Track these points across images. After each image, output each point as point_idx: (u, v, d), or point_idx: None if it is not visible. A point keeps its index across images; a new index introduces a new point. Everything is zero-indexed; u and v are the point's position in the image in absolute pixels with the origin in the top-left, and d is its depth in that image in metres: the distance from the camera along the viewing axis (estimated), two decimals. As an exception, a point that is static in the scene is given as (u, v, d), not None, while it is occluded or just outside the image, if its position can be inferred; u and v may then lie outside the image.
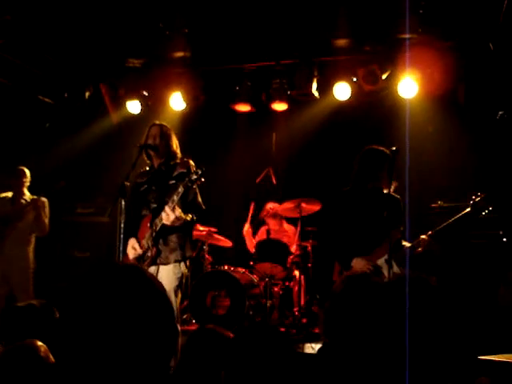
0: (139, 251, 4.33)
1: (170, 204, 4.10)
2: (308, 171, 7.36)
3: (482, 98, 6.16)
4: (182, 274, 4.32)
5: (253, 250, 6.54)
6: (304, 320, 6.08)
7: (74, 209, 7.31)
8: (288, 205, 6.41)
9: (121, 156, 6.18)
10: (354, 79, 6.42)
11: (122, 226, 4.03)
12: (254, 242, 6.67)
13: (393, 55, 6.27)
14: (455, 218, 4.24)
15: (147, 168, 4.59)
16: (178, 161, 4.49)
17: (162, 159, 4.48)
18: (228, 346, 1.98)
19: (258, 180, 6.91)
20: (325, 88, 6.61)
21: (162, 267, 4.29)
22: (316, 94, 6.63)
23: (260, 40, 6.20)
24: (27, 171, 5.98)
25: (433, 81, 6.13)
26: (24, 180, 5.94)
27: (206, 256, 6.58)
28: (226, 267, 6.26)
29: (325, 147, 7.28)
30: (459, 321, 1.48)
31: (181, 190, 4.08)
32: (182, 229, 4.30)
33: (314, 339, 5.43)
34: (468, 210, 4.24)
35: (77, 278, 1.23)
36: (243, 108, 6.97)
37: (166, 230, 4.26)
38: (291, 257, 6.27)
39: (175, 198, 4.10)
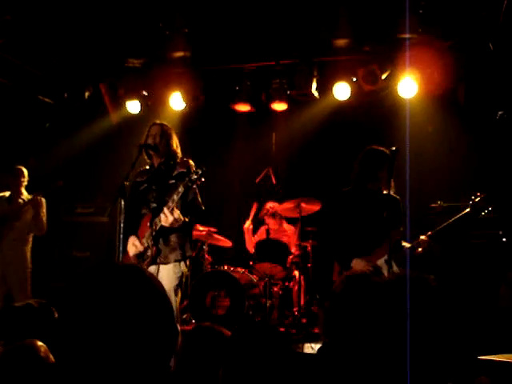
0: (140, 248, 4.32)
1: (169, 204, 4.10)
2: (308, 171, 7.35)
3: (482, 98, 6.15)
4: (182, 274, 4.32)
5: (251, 249, 6.55)
6: (304, 320, 6.07)
7: (73, 209, 7.30)
8: (288, 205, 6.40)
9: (120, 156, 6.17)
10: (354, 79, 6.42)
11: (122, 225, 4.03)
12: (254, 240, 6.68)
13: (393, 55, 6.27)
14: (455, 218, 4.24)
15: (147, 167, 4.59)
16: (178, 160, 4.49)
17: (162, 158, 4.47)
18: (226, 344, 1.98)
19: (257, 180, 6.90)
20: (324, 88, 6.61)
21: (162, 266, 4.29)
22: (316, 93, 6.63)
23: (260, 40, 6.20)
24: (25, 170, 5.96)
25: (433, 81, 6.13)
26: (22, 179, 5.92)
27: (206, 256, 6.57)
28: (225, 267, 6.26)
29: (325, 147, 7.27)
30: (459, 321, 1.48)
31: (181, 189, 4.08)
32: (181, 229, 4.30)
33: (313, 339, 5.42)
34: (468, 210, 4.24)
35: (76, 277, 1.23)
36: (243, 108, 6.97)
37: (166, 230, 4.26)
38: (291, 257, 6.28)
39: (175, 197, 4.09)
